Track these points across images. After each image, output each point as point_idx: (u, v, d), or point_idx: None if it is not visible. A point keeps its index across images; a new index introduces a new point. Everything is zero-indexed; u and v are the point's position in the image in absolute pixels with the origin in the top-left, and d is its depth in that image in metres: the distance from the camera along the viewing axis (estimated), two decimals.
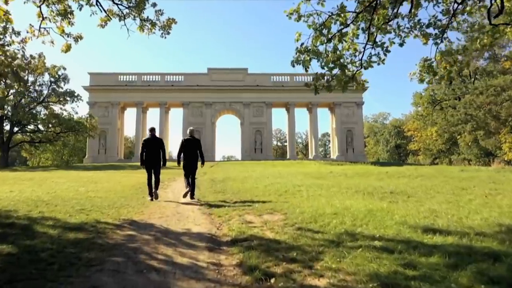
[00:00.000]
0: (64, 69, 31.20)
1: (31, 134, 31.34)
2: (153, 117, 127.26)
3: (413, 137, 45.70)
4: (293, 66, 6.06)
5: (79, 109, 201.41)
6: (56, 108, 31.76)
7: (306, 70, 6.03)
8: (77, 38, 7.90)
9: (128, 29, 7.83)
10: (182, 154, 8.95)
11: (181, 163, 8.99)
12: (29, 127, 30.71)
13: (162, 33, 8.09)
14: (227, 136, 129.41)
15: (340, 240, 4.46)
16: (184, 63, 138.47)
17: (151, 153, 8.97)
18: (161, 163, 9.23)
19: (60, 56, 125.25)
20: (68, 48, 7.76)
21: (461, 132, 29.27)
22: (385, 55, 6.09)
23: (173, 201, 8.99)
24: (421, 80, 6.44)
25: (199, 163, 9.16)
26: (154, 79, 39.95)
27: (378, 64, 6.20)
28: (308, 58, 6.04)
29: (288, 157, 41.14)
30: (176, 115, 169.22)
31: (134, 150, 41.66)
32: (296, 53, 6.08)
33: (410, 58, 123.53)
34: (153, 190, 8.94)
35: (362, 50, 6.29)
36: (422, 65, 6.31)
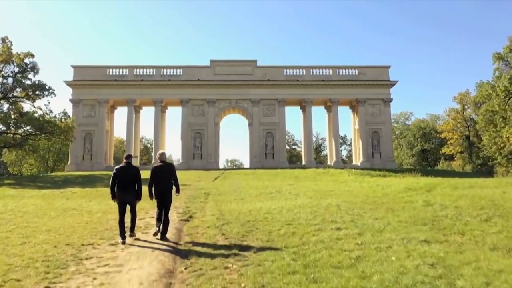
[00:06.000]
0: (32, 56, 25.40)
1: None
2: (147, 117, 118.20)
3: (448, 140, 39.50)
4: None
5: (65, 109, 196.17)
6: (27, 106, 25.98)
7: None
8: None
9: None
10: (154, 185, 7.49)
11: (153, 196, 7.66)
12: None
13: None
14: (232, 138, 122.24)
15: None
16: (184, 60, 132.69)
17: (125, 185, 7.53)
18: (137, 196, 7.80)
19: (37, 45, 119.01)
20: None
21: None
22: None
23: None
24: None
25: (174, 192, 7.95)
26: (148, 73, 35.21)
27: None
28: None
29: (303, 163, 36.15)
30: (174, 115, 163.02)
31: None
32: None
33: (425, 60, 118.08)
34: (124, 233, 7.22)
35: None
36: None
